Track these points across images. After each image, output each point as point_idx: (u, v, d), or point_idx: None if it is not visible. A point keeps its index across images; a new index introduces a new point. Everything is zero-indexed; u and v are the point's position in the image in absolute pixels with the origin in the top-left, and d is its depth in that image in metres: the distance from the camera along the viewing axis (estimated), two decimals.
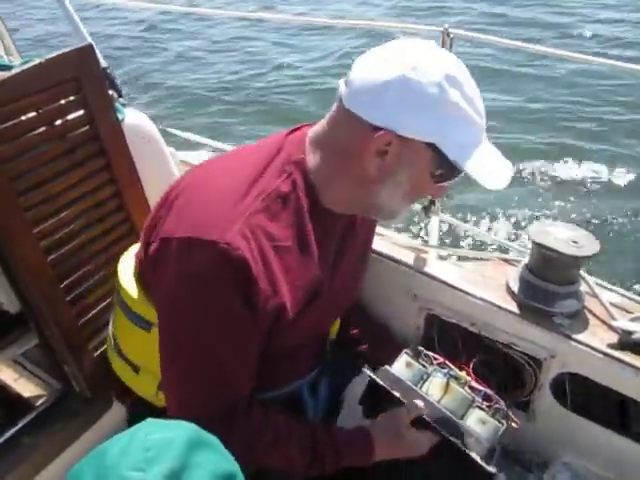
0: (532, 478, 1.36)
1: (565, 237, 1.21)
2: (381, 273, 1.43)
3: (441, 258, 1.51)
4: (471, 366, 1.22)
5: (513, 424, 1.15)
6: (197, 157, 2.00)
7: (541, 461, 1.37)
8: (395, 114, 0.91)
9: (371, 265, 1.40)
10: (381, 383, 1.16)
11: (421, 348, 1.20)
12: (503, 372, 1.33)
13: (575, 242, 1.20)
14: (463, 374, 1.17)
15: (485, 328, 1.31)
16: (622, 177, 4.16)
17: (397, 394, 1.13)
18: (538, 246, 1.23)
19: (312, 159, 1.01)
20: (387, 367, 1.18)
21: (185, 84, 6.33)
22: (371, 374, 1.18)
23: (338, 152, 0.99)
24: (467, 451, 1.07)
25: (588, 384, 1.24)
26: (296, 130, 1.08)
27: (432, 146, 0.93)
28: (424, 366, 1.18)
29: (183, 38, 7.80)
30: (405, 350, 1.20)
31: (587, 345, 1.19)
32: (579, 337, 1.21)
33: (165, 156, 1.59)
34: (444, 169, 0.96)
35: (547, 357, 1.25)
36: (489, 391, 1.15)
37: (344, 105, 0.94)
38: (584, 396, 1.29)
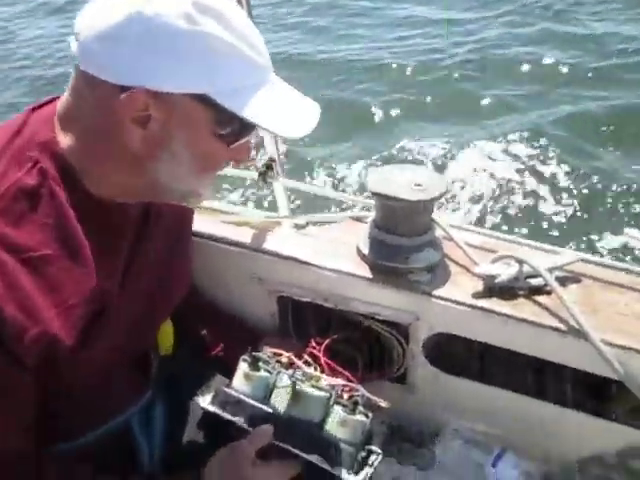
0: (424, 452, 1.22)
1: (406, 181, 1.04)
2: (217, 260, 1.20)
3: (294, 227, 1.30)
4: (321, 351, 1.04)
5: (382, 404, 0.99)
6: None
7: (431, 433, 1.23)
8: (137, 64, 0.68)
9: (203, 252, 1.17)
10: (216, 412, 0.95)
11: (258, 354, 0.98)
12: (369, 348, 1.16)
13: (418, 185, 1.03)
14: (311, 371, 0.98)
15: (340, 301, 1.13)
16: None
17: (238, 420, 0.93)
18: (378, 197, 1.05)
19: (65, 139, 0.76)
20: (223, 387, 0.97)
21: None
22: (202, 403, 0.97)
23: (89, 128, 0.75)
24: (330, 469, 0.89)
25: (461, 342, 1.10)
26: (47, 104, 0.81)
27: (204, 99, 0.71)
28: (269, 372, 0.98)
29: None
30: (242, 357, 0.99)
31: (450, 300, 1.04)
32: (441, 292, 1.05)
33: None
34: (231, 126, 0.74)
35: (412, 321, 1.09)
36: (340, 381, 0.97)
37: (80, 67, 0.70)
38: (460, 355, 1.16)
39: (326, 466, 0.90)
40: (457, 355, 1.15)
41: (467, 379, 1.14)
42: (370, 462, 0.97)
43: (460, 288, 1.06)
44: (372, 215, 1.13)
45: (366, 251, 1.11)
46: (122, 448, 0.95)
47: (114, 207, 0.81)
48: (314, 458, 0.90)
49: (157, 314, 0.98)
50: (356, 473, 0.93)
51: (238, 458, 0.89)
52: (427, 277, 1.08)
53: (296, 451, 0.90)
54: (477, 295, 1.04)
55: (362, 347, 1.15)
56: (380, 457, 0.98)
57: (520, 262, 1.03)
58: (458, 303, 1.03)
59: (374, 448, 0.99)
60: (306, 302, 1.17)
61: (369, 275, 1.09)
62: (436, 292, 1.05)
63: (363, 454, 0.96)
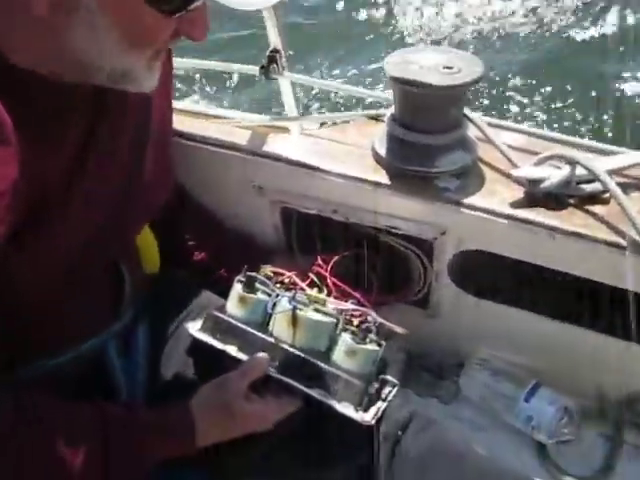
0: (447, 384, 1.09)
1: (433, 63, 0.83)
2: (210, 166, 1.03)
3: (301, 130, 1.11)
4: (328, 269, 0.89)
5: (398, 331, 0.84)
6: None
7: (454, 363, 1.09)
8: None
9: (192, 157, 1.01)
10: (206, 339, 0.82)
11: (254, 274, 0.83)
12: (385, 267, 1.00)
13: (448, 68, 0.83)
14: (316, 293, 0.83)
15: (352, 213, 0.96)
16: None
17: (231, 349, 0.80)
18: (398, 84, 0.85)
19: None
20: (214, 311, 0.83)
21: None
22: (191, 329, 0.83)
23: None
24: (335, 405, 0.76)
25: (494, 260, 0.93)
26: None
27: None
28: (267, 294, 0.83)
29: None
30: (237, 277, 0.84)
31: (484, 210, 0.86)
32: (472, 201, 0.87)
33: None
34: None
35: (437, 236, 0.92)
36: (350, 305, 0.82)
37: None
38: (492, 276, 0.99)
39: (331, 402, 0.77)
40: (488, 276, 0.99)
41: (499, 303, 0.98)
42: (383, 395, 0.84)
43: (496, 196, 0.87)
44: (390, 110, 0.94)
45: (383, 153, 0.92)
46: (97, 380, 0.83)
47: (50, 86, 0.63)
48: (316, 392, 0.77)
49: (126, 224, 0.83)
50: (366, 409, 0.79)
51: (228, 391, 0.76)
52: (456, 183, 0.89)
53: (296, 385, 0.77)
54: (517, 204, 0.85)
55: (377, 266, 0.99)
56: (396, 389, 0.85)
57: (572, 163, 0.83)
58: (493, 214, 0.85)
59: (389, 378, 0.86)
60: (313, 215, 1.01)
61: (387, 181, 0.91)
62: (467, 201, 0.87)
63: (376, 385, 0.82)
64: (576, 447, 0.96)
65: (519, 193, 0.87)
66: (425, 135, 0.88)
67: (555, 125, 2.60)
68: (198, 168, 1.03)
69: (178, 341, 0.91)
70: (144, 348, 0.89)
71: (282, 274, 0.88)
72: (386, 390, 0.86)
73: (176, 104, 0.97)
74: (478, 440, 0.91)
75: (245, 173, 1.01)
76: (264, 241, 1.08)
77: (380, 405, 0.82)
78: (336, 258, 0.95)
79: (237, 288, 0.85)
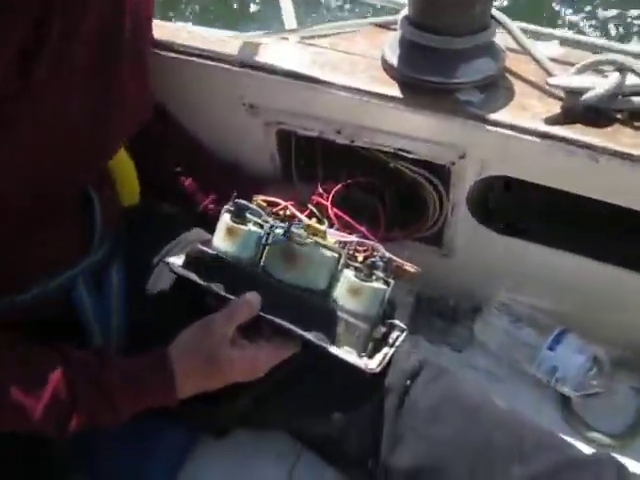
0: (461, 330, 0.98)
1: None
2: (194, 80, 0.89)
3: (300, 41, 0.96)
4: (330, 199, 0.77)
5: (409, 269, 0.73)
6: None
7: (469, 307, 0.98)
8: None
9: (175, 70, 0.88)
10: (189, 276, 0.71)
11: (244, 202, 0.72)
12: (394, 197, 0.88)
13: None
14: (316, 224, 0.71)
15: (357, 134, 0.83)
16: None
17: (217, 287, 0.70)
18: None
19: None
20: (198, 245, 0.72)
21: None
22: (172, 265, 0.73)
23: None
24: (335, 351, 0.66)
25: (522, 189, 0.80)
26: None
27: None
28: (259, 225, 0.72)
29: None
30: (225, 206, 0.73)
31: (513, 127, 0.73)
32: (499, 117, 0.73)
33: None
34: None
35: (456, 160, 0.79)
36: (354, 238, 0.71)
37: None
38: (518, 208, 0.87)
39: (331, 347, 0.67)
40: (514, 208, 0.86)
41: (526, 240, 0.86)
42: (390, 340, 0.73)
43: (528, 112, 0.74)
44: (404, 11, 0.79)
45: (395, 61, 0.78)
46: (67, 322, 0.73)
47: None
48: (314, 336, 0.67)
49: (97, 146, 0.71)
50: (371, 356, 0.69)
51: (213, 335, 0.65)
52: (481, 97, 0.76)
53: (291, 327, 0.67)
54: (553, 120, 0.72)
55: (385, 196, 0.87)
56: (404, 334, 0.75)
57: (623, 70, 0.69)
58: (524, 131, 0.72)
59: (397, 323, 0.75)
60: (314, 137, 0.88)
61: (398, 94, 0.77)
62: (492, 117, 0.73)
63: (383, 329, 0.72)
64: (605, 401, 0.85)
65: (555, 107, 0.73)
66: (444, 38, 0.73)
67: (601, 33, 2.25)
68: (180, 84, 0.89)
69: (158, 279, 0.80)
70: (119, 287, 0.78)
71: (277, 204, 0.77)
72: (394, 335, 0.76)
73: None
74: (495, 392, 0.81)
75: (234, 89, 0.87)
76: (257, 168, 0.95)
77: (387, 351, 0.72)
78: (339, 187, 0.83)
79: (225, 218, 0.74)
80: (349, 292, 0.69)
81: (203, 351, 0.66)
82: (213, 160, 0.95)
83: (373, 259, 0.71)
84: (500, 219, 0.87)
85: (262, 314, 0.68)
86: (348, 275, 0.69)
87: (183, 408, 0.68)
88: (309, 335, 0.67)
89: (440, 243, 0.92)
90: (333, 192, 0.81)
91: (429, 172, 0.83)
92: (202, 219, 0.90)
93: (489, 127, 0.73)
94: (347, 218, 0.79)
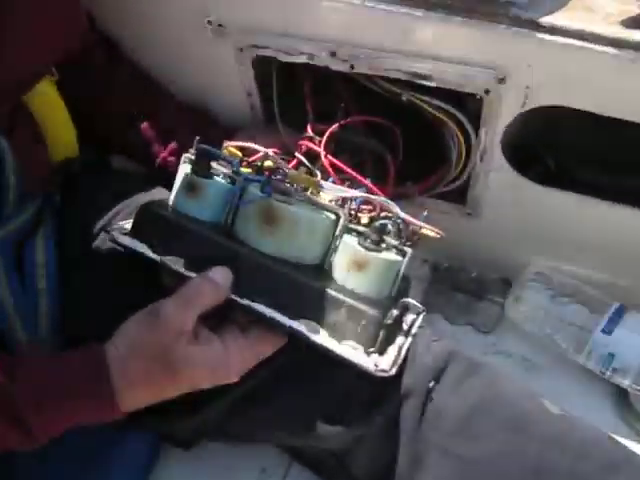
0: (488, 307, 0.80)
1: None
2: None
3: None
4: (323, 143, 0.58)
5: (430, 233, 0.55)
6: None
7: (498, 278, 0.80)
8: None
9: None
10: (137, 249, 0.52)
11: (210, 148, 0.53)
12: (407, 140, 0.68)
13: None
14: (301, 174, 0.53)
15: (358, 56, 0.62)
16: None
17: (174, 262, 0.52)
18: None
19: None
20: (150, 206, 0.54)
21: None
22: (116, 234, 0.54)
23: None
24: (332, 347, 0.48)
25: (581, 123, 0.61)
26: None
27: None
28: (230, 179, 0.54)
29: None
30: (186, 154, 0.54)
31: (578, 34, 0.52)
32: (556, 20, 0.53)
33: None
34: None
35: (489, 86, 0.59)
36: (357, 193, 0.52)
37: None
38: (572, 151, 0.67)
39: (327, 342, 0.49)
40: (562, 153, 0.67)
41: (574, 192, 0.67)
42: (405, 326, 0.56)
43: (596, 13, 0.53)
44: None
45: None
46: None
47: None
48: (305, 327, 0.49)
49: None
50: (382, 351, 0.51)
51: (164, 327, 0.47)
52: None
53: (273, 314, 0.49)
54: (633, 22, 0.52)
55: (395, 139, 0.67)
56: (421, 317, 0.57)
57: None
58: (590, 39, 0.52)
59: (412, 302, 0.57)
60: (301, 64, 0.67)
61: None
62: (546, 21, 0.53)
63: (395, 313, 0.53)
64: None
65: (634, 6, 0.53)
66: None
67: None
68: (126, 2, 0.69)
69: (99, 254, 0.61)
70: (47, 265, 0.59)
71: (254, 151, 0.58)
72: (408, 319, 0.58)
73: None
74: (530, 385, 0.64)
75: (195, 2, 0.66)
76: (229, 108, 0.75)
77: (402, 342, 0.54)
78: (335, 127, 0.63)
79: (184, 170, 0.55)
80: (351, 266, 0.50)
81: (152, 349, 0.47)
82: (172, 99, 0.75)
83: (383, 221, 0.52)
84: (543, 166, 0.67)
85: (234, 297, 0.50)
86: (350, 243, 0.51)
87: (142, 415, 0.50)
88: (298, 325, 0.49)
89: (464, 199, 0.73)
90: (328, 134, 0.61)
91: (453, 105, 0.63)
92: (161, 174, 0.71)
93: (541, 36, 0.53)
94: (346, 168, 0.59)
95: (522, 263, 0.76)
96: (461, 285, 0.80)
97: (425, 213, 0.56)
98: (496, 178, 0.68)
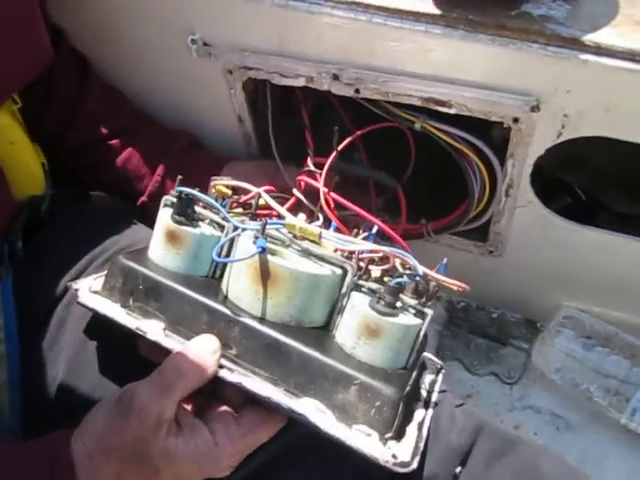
0: (510, 354, 0.71)
1: None
2: (120, 6, 0.60)
3: None
4: (322, 177, 0.50)
5: (453, 287, 0.47)
6: None
7: (521, 320, 0.71)
8: None
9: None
10: (107, 314, 0.44)
11: (192, 191, 0.46)
12: (421, 176, 0.59)
13: None
14: (300, 222, 0.45)
15: (364, 79, 0.54)
16: None
17: (151, 329, 0.44)
18: None
19: None
20: (123, 259, 0.46)
21: None
22: (80, 295, 0.45)
23: None
24: (340, 436, 0.39)
25: (623, 155, 0.52)
26: None
27: None
28: (217, 225, 0.46)
29: None
30: (166, 197, 0.47)
31: (627, 54, 0.44)
32: (599, 38, 0.45)
33: None
34: None
35: (519, 115, 0.50)
36: (364, 244, 0.44)
37: None
38: (604, 186, 0.59)
39: (334, 428, 0.40)
40: (596, 188, 0.59)
41: (609, 231, 0.58)
42: (424, 394, 0.48)
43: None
44: None
45: None
46: None
47: None
48: (307, 409, 0.41)
49: None
50: (399, 435, 0.43)
51: (137, 418, 0.38)
52: (565, 9, 0.47)
53: (270, 395, 0.40)
54: None
55: (407, 173, 0.59)
56: (441, 378, 0.50)
57: None
58: (637, 59, 0.44)
59: (429, 356, 0.50)
60: (299, 88, 0.59)
61: (431, 10, 0.48)
62: (589, 39, 0.45)
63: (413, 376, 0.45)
64: None
65: None
66: None
67: None
68: (99, 13, 0.60)
69: (67, 314, 0.52)
70: (5, 326, 0.51)
71: (246, 191, 0.50)
72: (426, 381, 0.50)
73: None
74: (565, 446, 0.55)
75: (178, 19, 0.58)
76: (221, 137, 0.67)
77: (422, 418, 0.46)
78: (337, 160, 0.55)
79: (164, 216, 0.47)
80: (362, 332, 0.42)
81: (125, 445, 0.39)
82: (155, 127, 0.67)
83: (399, 279, 0.44)
84: (581, 201, 0.59)
85: (222, 375, 0.41)
86: (359, 304, 0.43)
87: None
88: (300, 407, 0.41)
89: (484, 236, 0.64)
90: (328, 165, 0.53)
91: (475, 136, 0.54)
92: (144, 212, 0.63)
93: (584, 56, 0.44)
94: (352, 205, 0.51)
95: (550, 305, 0.68)
96: (480, 327, 0.72)
97: (445, 261, 0.49)
98: (523, 214, 0.59)
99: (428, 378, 0.52)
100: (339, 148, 0.53)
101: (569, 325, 0.66)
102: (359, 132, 0.55)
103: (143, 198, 0.64)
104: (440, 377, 0.52)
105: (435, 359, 0.53)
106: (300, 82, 0.57)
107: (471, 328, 0.72)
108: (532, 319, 0.71)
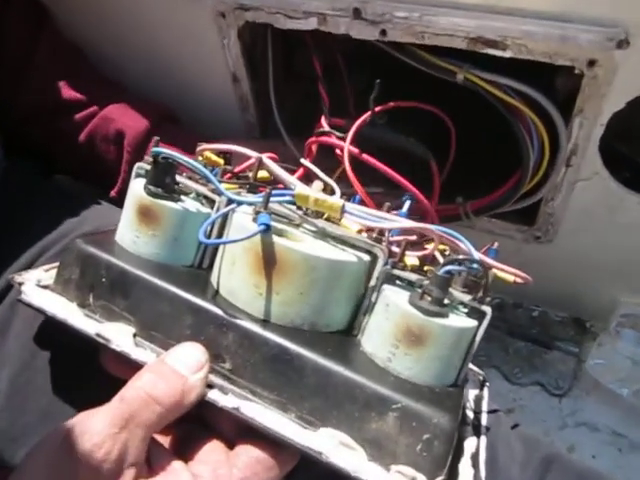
0: (554, 359, 0.60)
1: None
2: None
3: None
4: (348, 139, 0.38)
5: (513, 278, 0.35)
6: None
7: (567, 319, 0.60)
8: None
9: None
10: (62, 318, 0.33)
11: (172, 153, 0.34)
12: (459, 141, 0.48)
13: None
14: (313, 193, 0.34)
15: (392, 17, 0.42)
16: None
17: (117, 337, 0.33)
18: None
19: None
20: (83, 243, 0.35)
21: None
22: (27, 290, 0.34)
23: None
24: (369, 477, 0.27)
25: None
26: None
27: None
28: (209, 199, 0.35)
29: None
30: (139, 164, 0.35)
31: None
32: None
33: None
34: None
35: (596, 56, 0.39)
36: (403, 222, 0.32)
37: None
38: None
39: (364, 470, 0.29)
40: None
41: None
42: (470, 416, 0.37)
43: None
44: None
45: None
46: None
47: None
48: (328, 446, 0.29)
49: None
50: (451, 477, 0.31)
51: (88, 466, 0.27)
52: None
53: (277, 428, 0.29)
54: None
55: (442, 139, 0.47)
56: (487, 393, 0.39)
57: None
58: None
59: (475, 370, 0.39)
60: (307, 32, 0.47)
61: None
62: None
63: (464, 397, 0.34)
64: None
65: None
66: None
67: None
68: None
69: (11, 315, 0.41)
70: None
71: (242, 157, 0.39)
72: (470, 398, 0.39)
73: None
74: (628, 469, 0.44)
75: None
76: (206, 106, 0.55)
77: (475, 449, 0.36)
78: (360, 122, 0.43)
79: (136, 188, 0.35)
80: (401, 338, 0.32)
81: None
82: (125, 96, 0.54)
83: (449, 266, 0.33)
84: (636, 178, 0.48)
85: (211, 399, 0.31)
86: (396, 300, 0.32)
87: None
88: (317, 444, 0.30)
89: (531, 219, 0.53)
90: (355, 129, 0.41)
91: (534, 88, 0.43)
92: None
93: None
94: (385, 167, 0.40)
95: (603, 301, 0.57)
96: (520, 328, 0.61)
97: (495, 245, 0.38)
98: (585, 189, 0.48)
99: (473, 394, 0.41)
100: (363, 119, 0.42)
101: (627, 324, 0.55)
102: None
103: (113, 193, 0.52)
104: (486, 392, 0.42)
105: (475, 368, 0.43)
106: (311, 24, 0.45)
107: (509, 329, 0.61)
108: (580, 318, 0.59)
